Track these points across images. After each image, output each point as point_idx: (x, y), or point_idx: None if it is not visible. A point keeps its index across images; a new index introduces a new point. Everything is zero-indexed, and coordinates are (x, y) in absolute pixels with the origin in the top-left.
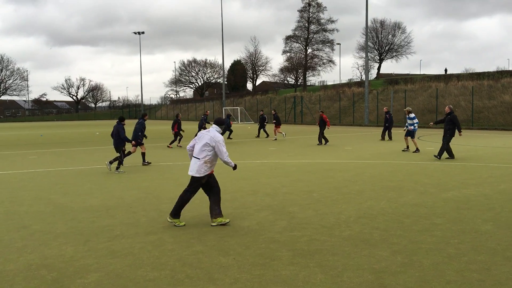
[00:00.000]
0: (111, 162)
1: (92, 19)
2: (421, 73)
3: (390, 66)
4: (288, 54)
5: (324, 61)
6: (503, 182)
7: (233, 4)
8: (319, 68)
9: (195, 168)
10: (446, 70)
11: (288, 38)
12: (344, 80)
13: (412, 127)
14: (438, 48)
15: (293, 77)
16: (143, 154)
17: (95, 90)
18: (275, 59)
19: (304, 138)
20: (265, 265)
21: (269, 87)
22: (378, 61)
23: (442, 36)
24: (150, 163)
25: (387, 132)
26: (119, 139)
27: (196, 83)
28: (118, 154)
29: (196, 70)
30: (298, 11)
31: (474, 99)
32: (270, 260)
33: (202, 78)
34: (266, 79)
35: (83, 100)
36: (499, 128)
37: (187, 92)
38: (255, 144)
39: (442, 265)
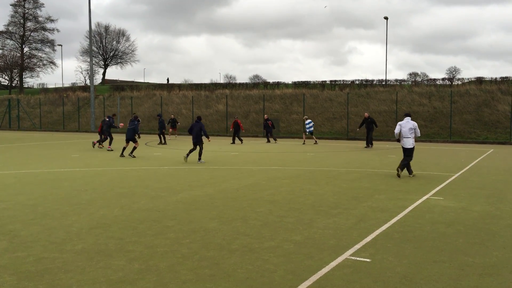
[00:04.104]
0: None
1: None
2: (145, 81)
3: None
4: (0, 51)
5: (44, 62)
6: (223, 182)
7: None
8: (38, 69)
9: (412, 143)
10: (168, 80)
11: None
12: (67, 83)
13: (311, 129)
14: (157, 59)
15: (7, 77)
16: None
17: None
18: None
19: (22, 146)
20: None
21: None
22: (103, 66)
23: (159, 49)
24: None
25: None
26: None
27: None
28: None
29: None
30: (11, 5)
31: (194, 107)
32: None
33: None
34: None
35: None
36: (215, 134)
37: None
38: None
39: (177, 265)
